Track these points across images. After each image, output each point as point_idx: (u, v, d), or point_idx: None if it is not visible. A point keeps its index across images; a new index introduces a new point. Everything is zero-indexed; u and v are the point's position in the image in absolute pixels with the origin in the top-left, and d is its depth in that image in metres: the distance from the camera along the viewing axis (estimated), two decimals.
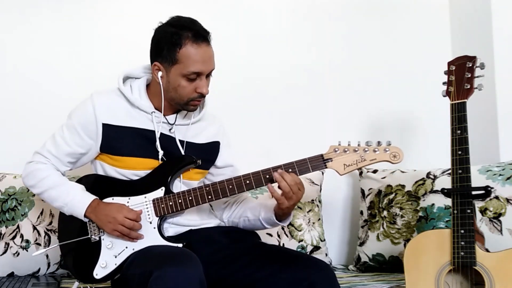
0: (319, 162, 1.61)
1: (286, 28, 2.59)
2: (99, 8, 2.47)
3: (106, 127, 1.67)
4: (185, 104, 1.67)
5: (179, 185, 1.70)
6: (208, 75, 1.66)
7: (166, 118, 1.71)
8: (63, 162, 1.72)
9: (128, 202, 1.66)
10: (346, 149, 1.61)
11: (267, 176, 1.61)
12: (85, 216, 1.64)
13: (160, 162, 1.68)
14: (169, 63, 1.62)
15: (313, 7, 2.61)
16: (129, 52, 2.42)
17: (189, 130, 1.74)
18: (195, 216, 1.74)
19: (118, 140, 1.67)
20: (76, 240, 1.67)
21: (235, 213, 1.81)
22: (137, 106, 1.69)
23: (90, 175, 1.75)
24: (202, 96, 1.66)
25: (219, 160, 1.81)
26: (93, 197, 1.66)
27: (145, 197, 1.65)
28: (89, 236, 1.66)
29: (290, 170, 1.60)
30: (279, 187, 1.58)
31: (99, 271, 1.63)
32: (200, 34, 1.61)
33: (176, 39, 1.60)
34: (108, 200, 1.67)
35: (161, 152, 1.67)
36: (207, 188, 1.63)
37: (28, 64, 2.40)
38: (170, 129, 1.71)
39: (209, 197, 1.63)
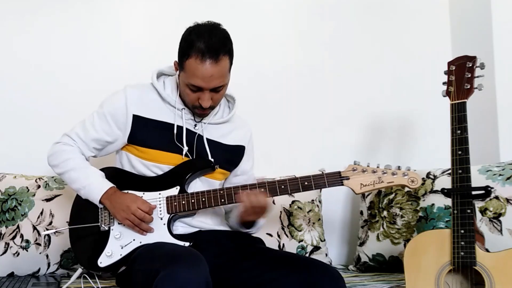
0: (336, 179, 1.63)
1: (287, 29, 2.58)
2: (106, 10, 2.47)
3: (136, 118, 1.70)
4: (191, 109, 1.71)
5: (199, 184, 1.72)
6: (216, 89, 1.64)
7: (194, 116, 1.73)
8: (89, 147, 1.76)
9: (142, 196, 1.68)
10: (364, 169, 1.63)
11: (282, 187, 1.63)
12: (100, 202, 1.66)
13: (184, 157, 1.70)
14: (180, 67, 1.66)
15: (313, 7, 2.61)
16: (130, 55, 2.43)
17: (217, 130, 1.77)
18: (208, 219, 1.75)
19: (146, 132, 1.70)
20: (85, 226, 1.70)
21: (231, 220, 1.84)
22: (168, 102, 1.73)
23: (109, 168, 1.77)
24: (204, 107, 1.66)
25: (240, 164, 1.84)
26: (111, 184, 1.69)
27: (159, 193, 1.68)
28: (99, 224, 1.67)
29: (306, 183, 1.62)
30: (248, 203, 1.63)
31: (104, 260, 1.65)
32: (210, 50, 1.57)
33: (185, 49, 1.61)
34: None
35: (185, 148, 1.69)
36: (221, 192, 1.65)
37: (28, 66, 2.40)
38: (195, 126, 1.73)
39: (222, 200, 1.65)
